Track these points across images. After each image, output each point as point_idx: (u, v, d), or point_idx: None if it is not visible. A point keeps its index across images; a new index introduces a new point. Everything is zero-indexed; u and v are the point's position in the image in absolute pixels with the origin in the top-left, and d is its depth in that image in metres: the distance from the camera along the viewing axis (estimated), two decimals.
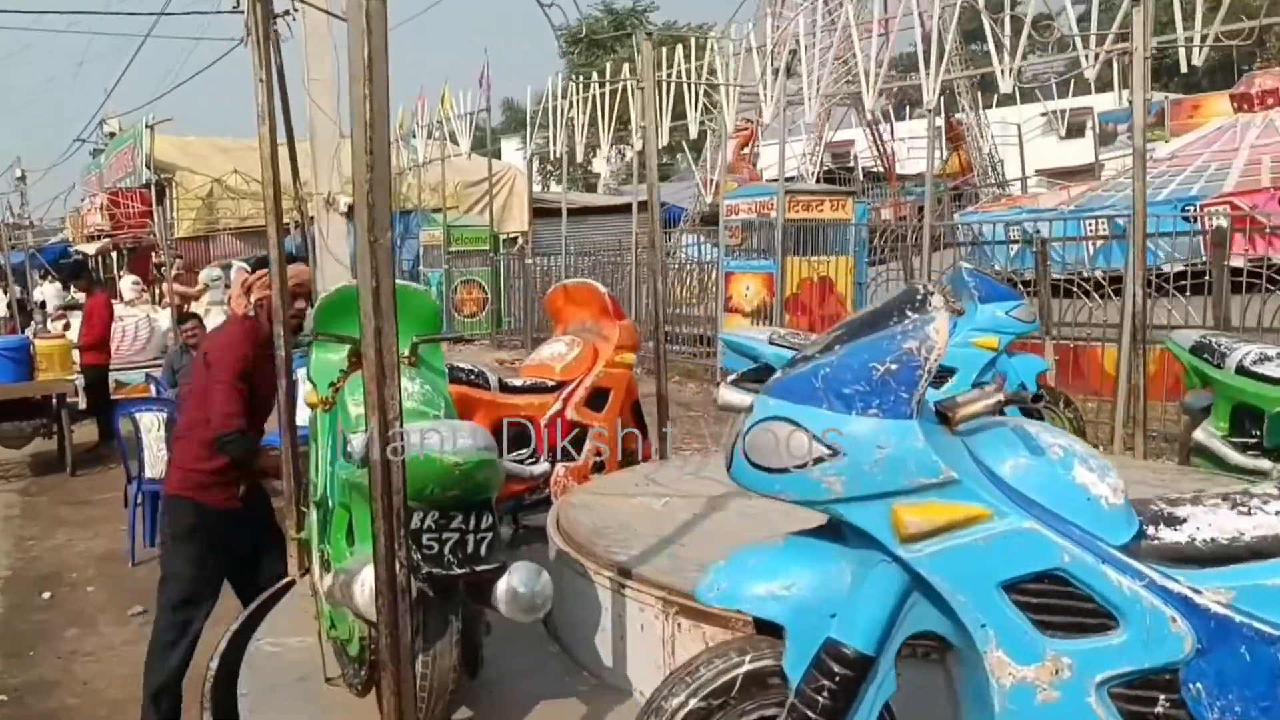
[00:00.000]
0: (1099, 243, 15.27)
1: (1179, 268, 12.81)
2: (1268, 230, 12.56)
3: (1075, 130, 32.10)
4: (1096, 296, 11.91)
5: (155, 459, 6.96)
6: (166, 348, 11.07)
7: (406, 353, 3.61)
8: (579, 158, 16.41)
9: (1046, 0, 10.85)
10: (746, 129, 23.28)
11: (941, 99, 27.55)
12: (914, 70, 17.04)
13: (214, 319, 10.47)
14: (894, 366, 1.97)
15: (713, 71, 15.04)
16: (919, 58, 11.13)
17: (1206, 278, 11.56)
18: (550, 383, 5.11)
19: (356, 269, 2.27)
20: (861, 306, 13.89)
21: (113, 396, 10.13)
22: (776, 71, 13.81)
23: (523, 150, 30.06)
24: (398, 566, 2.21)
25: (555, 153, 15.89)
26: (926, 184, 12.28)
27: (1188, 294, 11.57)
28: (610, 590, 3.47)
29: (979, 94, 28.31)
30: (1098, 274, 12.95)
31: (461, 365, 4.85)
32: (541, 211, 20.46)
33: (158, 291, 14.36)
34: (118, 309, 11.42)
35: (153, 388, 9.26)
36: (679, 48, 14.95)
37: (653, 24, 38.06)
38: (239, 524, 4.27)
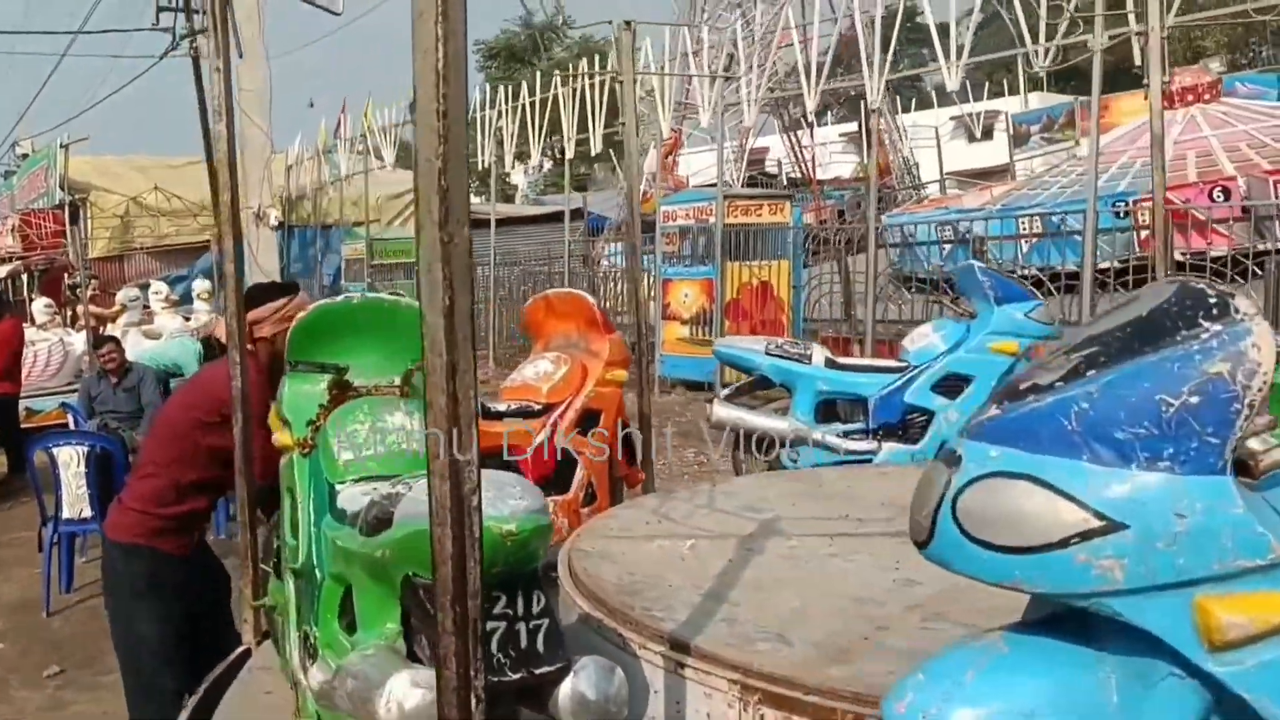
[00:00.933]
0: (1033, 240, 15.28)
1: (1111, 264, 12.80)
2: (1233, 221, 12.47)
3: (984, 133, 32.41)
4: (1039, 295, 11.74)
5: (75, 498, 6.26)
6: (81, 372, 10.24)
7: (399, 381, 3.04)
8: (507, 166, 15.84)
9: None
10: (672, 136, 22.89)
11: (863, 103, 27.56)
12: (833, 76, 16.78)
13: (132, 341, 9.67)
14: (1195, 400, 1.37)
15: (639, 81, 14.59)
16: (862, 60, 10.78)
17: (1150, 273, 11.45)
18: (536, 406, 4.55)
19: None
20: (800, 310, 13.67)
21: (23, 426, 9.32)
22: (714, 76, 13.44)
23: None
24: (474, 701, 1.61)
25: (483, 163, 15.27)
26: (871, 184, 12.08)
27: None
28: (663, 669, 2.86)
29: (896, 98, 28.42)
30: (1032, 271, 12.86)
31: None
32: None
33: (70, 314, 13.48)
34: (29, 334, 10.56)
35: (70, 418, 8.45)
36: (610, 55, 14.45)
37: (570, 37, 37.53)
38: (194, 570, 3.78)
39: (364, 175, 17.26)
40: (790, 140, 28.01)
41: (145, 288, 12.18)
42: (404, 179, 18.21)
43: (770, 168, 28.68)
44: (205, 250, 16.07)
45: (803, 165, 28.05)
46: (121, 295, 11.87)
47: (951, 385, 5.84)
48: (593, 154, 14.47)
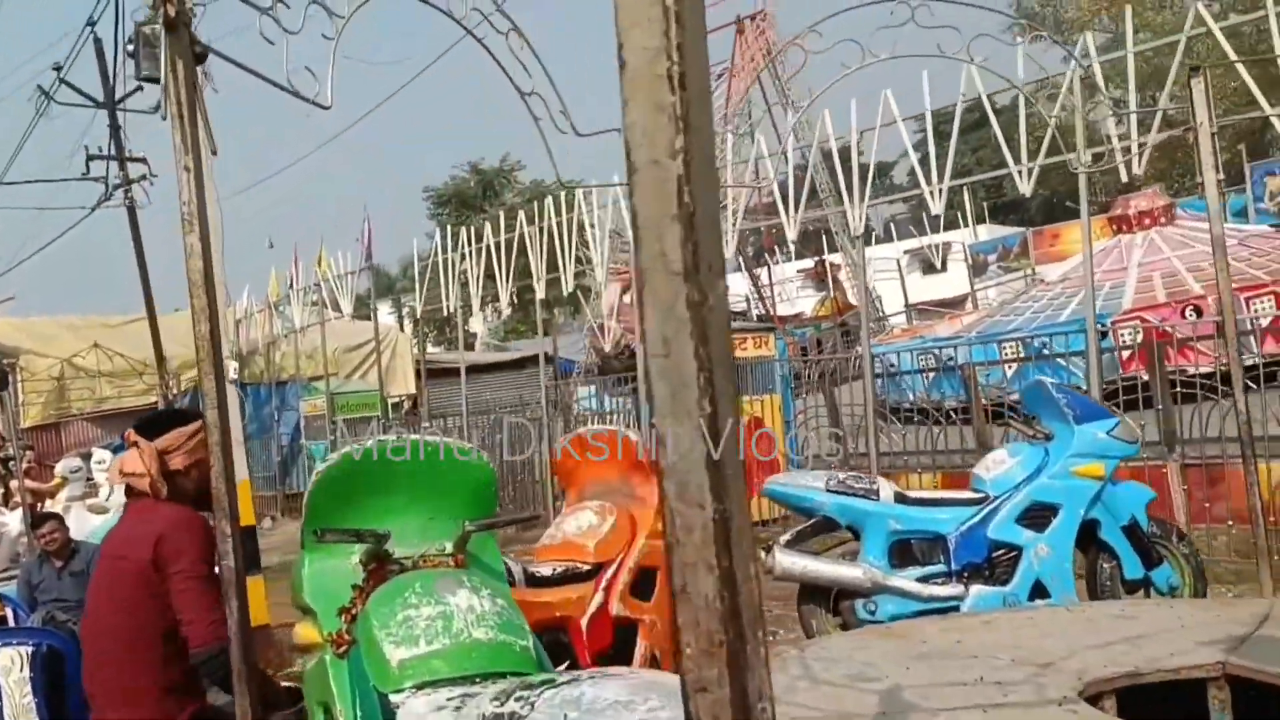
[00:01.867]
0: (1017, 365, 15.13)
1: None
2: (1264, 335, 12.29)
3: (940, 264, 32.89)
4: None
5: (19, 710, 5.23)
6: (19, 556, 9.20)
7: (451, 546, 2.32)
8: (475, 309, 15.29)
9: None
10: (627, 273, 22.80)
11: (824, 236, 27.63)
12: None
13: (76, 518, 8.71)
14: None
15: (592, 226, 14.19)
16: (842, 189, 10.50)
17: (1158, 389, 11.21)
18: (585, 567, 3.77)
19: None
20: (793, 445, 13.04)
21: None
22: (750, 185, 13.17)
23: (394, 313, 28.87)
24: None
25: (449, 308, 14.65)
26: (863, 314, 11.67)
27: (1140, 408, 11.22)
28: None
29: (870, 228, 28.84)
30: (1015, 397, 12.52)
31: None
32: (428, 373, 19.34)
33: (4, 490, 12.43)
34: None
35: (9, 611, 7.41)
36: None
37: (520, 183, 37.57)
38: None
39: (320, 326, 16.57)
40: (751, 278, 27.98)
41: (87, 458, 11.18)
42: (363, 330, 17.58)
43: (734, 305, 28.51)
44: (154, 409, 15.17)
45: (765, 303, 27.99)
46: (61, 467, 10.87)
47: (1036, 516, 5.18)
48: (565, 293, 13.86)
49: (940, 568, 5.07)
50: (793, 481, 5.44)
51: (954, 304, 28.15)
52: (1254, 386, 10.48)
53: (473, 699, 1.77)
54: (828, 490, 5.09)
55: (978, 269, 29.76)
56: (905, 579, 4.92)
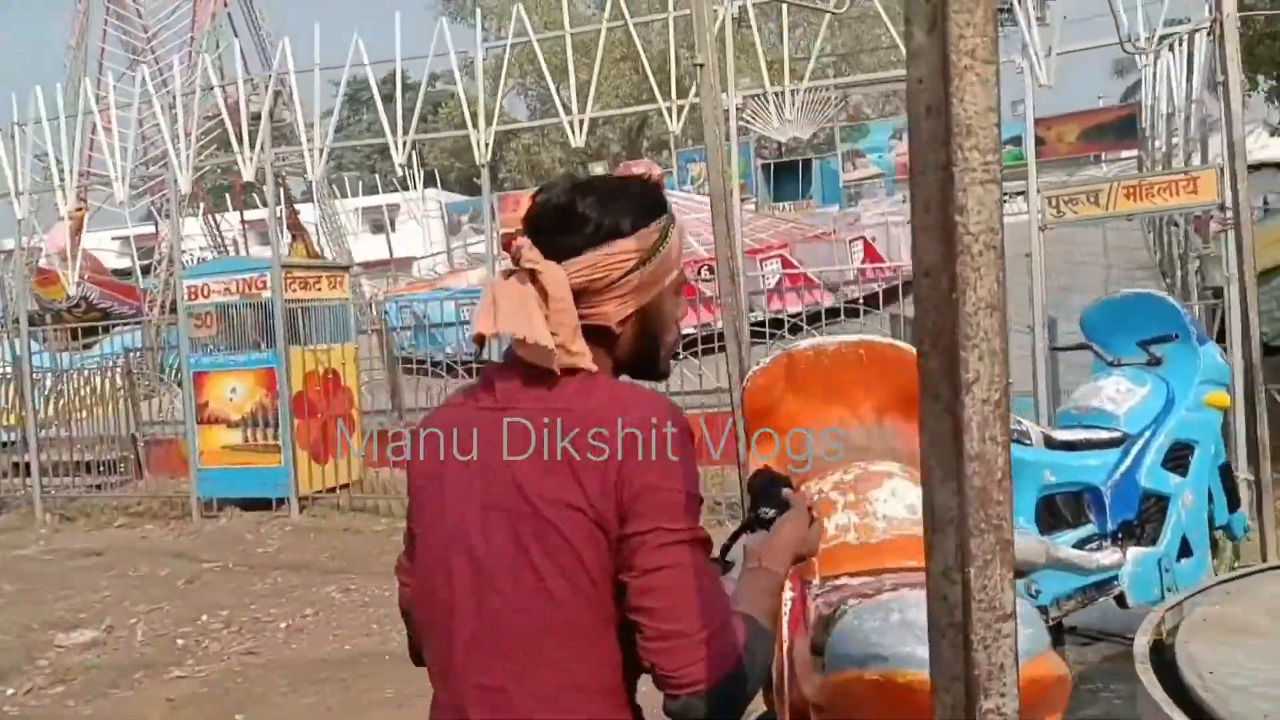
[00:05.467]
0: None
1: None
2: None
3: (386, 224, 32.48)
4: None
5: None
6: None
7: None
8: None
9: None
10: (81, 210, 19.03)
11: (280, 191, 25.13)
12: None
13: None
14: None
15: None
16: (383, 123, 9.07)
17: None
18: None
19: None
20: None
21: None
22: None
23: None
24: None
25: None
26: (489, 254, 10.31)
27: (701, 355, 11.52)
28: None
29: (331, 184, 27.09)
30: None
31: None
32: None
33: None
34: None
35: None
36: None
37: None
38: None
39: None
40: (211, 223, 24.83)
41: None
42: None
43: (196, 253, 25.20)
44: None
45: (224, 251, 25.01)
46: None
47: (1176, 457, 4.19)
48: None
49: (1091, 529, 3.93)
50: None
51: (400, 264, 27.93)
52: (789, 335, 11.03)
53: None
54: None
55: (453, 228, 30.02)
56: (1070, 548, 3.72)
